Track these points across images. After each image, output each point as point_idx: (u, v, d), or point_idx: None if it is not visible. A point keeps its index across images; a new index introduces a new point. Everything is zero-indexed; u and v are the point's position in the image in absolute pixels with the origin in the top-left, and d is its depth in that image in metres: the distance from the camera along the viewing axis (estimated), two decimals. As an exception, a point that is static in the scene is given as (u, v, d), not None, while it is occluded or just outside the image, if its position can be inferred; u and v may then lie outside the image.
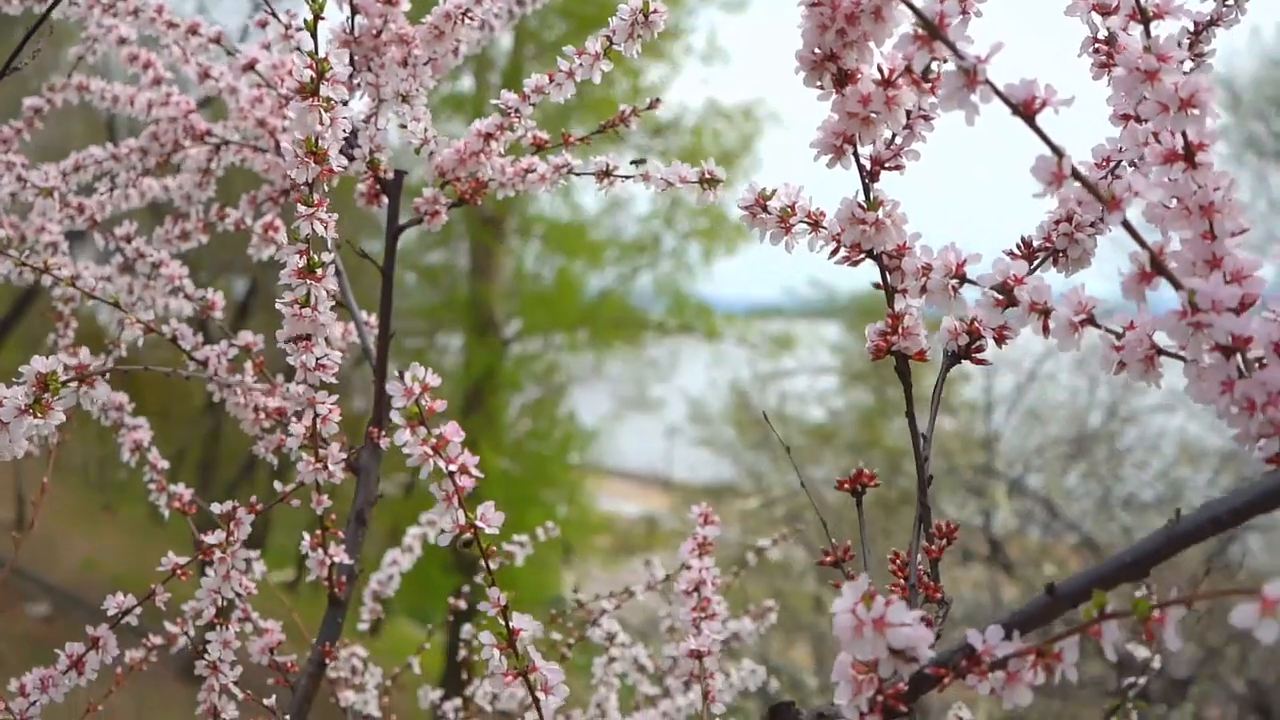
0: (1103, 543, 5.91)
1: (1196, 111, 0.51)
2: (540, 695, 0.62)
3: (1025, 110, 0.49)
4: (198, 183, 1.16)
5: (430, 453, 0.60)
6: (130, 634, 1.07)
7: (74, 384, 0.66)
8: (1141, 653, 1.15)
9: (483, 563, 0.62)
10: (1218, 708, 6.14)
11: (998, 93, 0.48)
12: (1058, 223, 0.65)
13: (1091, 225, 0.65)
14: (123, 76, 1.32)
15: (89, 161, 1.17)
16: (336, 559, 0.94)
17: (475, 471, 0.61)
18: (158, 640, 1.05)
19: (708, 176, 0.81)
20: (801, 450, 8.46)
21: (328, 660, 0.96)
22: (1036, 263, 0.66)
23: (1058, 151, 0.49)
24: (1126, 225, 0.49)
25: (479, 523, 0.61)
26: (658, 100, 0.95)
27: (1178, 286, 0.49)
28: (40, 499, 1.14)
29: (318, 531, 0.93)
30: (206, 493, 0.95)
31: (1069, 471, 6.59)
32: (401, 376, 0.59)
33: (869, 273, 0.65)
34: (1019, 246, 0.66)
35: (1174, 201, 0.55)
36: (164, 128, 1.17)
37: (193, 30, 1.08)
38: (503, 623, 0.63)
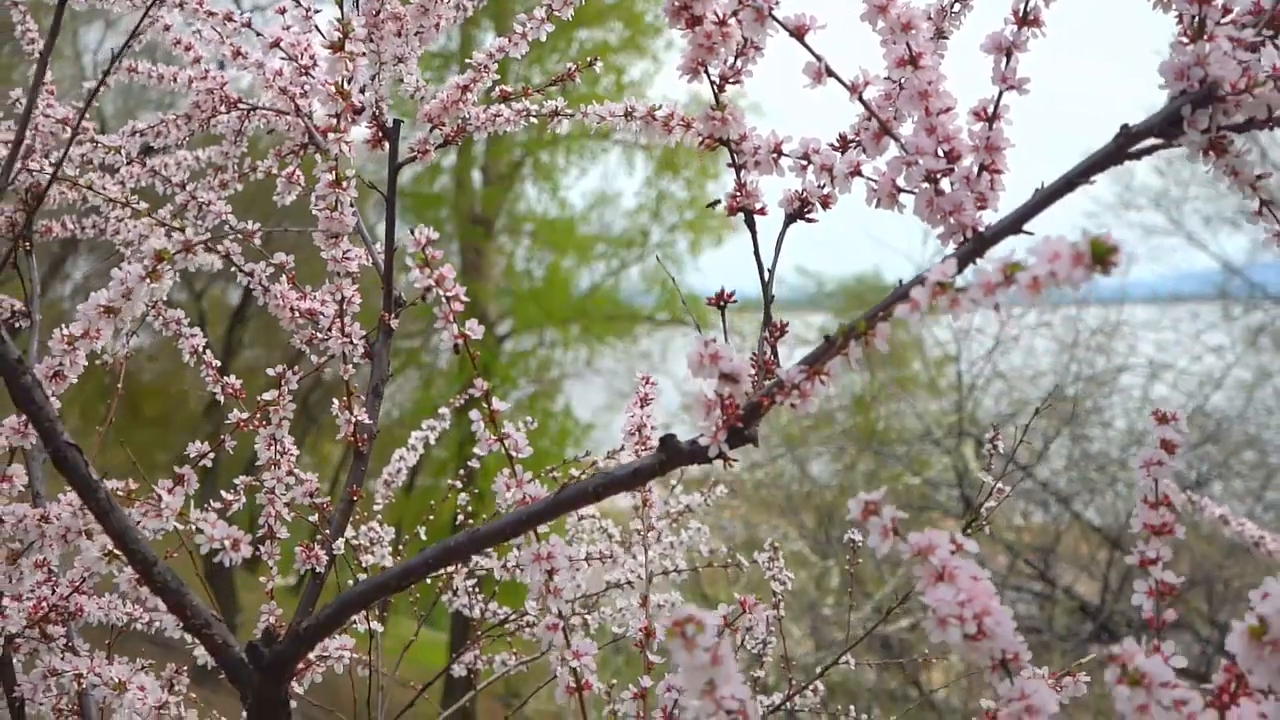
0: (1071, 493, 6.22)
1: (914, 32, 0.79)
2: (513, 454, 0.91)
3: (798, 33, 0.77)
4: (233, 142, 1.44)
5: (434, 284, 0.88)
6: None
7: (181, 254, 0.94)
8: (977, 476, 1.43)
9: (469, 361, 0.90)
10: (1189, 659, 6.45)
11: (779, 22, 0.77)
12: (861, 120, 0.94)
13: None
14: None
15: (143, 126, 1.45)
16: (360, 418, 1.22)
17: (464, 297, 0.89)
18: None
19: (629, 110, 1.09)
20: (794, 436, 8.75)
21: (355, 498, 1.24)
22: (851, 149, 0.94)
23: (818, 58, 0.77)
24: (863, 102, 0.78)
25: (467, 331, 0.89)
26: (595, 59, 1.24)
27: (897, 140, 0.78)
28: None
29: (345, 397, 1.21)
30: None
31: (1041, 432, 6.90)
32: (412, 231, 0.87)
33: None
34: (838, 138, 0.95)
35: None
36: (203, 98, 1.45)
37: (228, 18, 1.36)
38: (487, 406, 0.91)
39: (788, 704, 1.34)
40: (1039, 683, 0.65)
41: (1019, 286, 0.59)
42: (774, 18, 0.77)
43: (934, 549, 0.66)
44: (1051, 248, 0.57)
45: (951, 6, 0.95)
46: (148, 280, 0.94)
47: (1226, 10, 0.72)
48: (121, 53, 1.27)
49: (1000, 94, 0.79)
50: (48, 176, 1.43)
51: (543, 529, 0.91)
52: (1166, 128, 0.71)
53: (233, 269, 1.33)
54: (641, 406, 1.19)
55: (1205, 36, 0.70)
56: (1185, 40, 0.71)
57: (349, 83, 0.96)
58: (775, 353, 0.88)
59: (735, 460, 0.83)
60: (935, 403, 9.09)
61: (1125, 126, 0.71)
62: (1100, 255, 0.55)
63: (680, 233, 12.31)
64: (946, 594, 0.64)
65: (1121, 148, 0.71)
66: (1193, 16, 0.71)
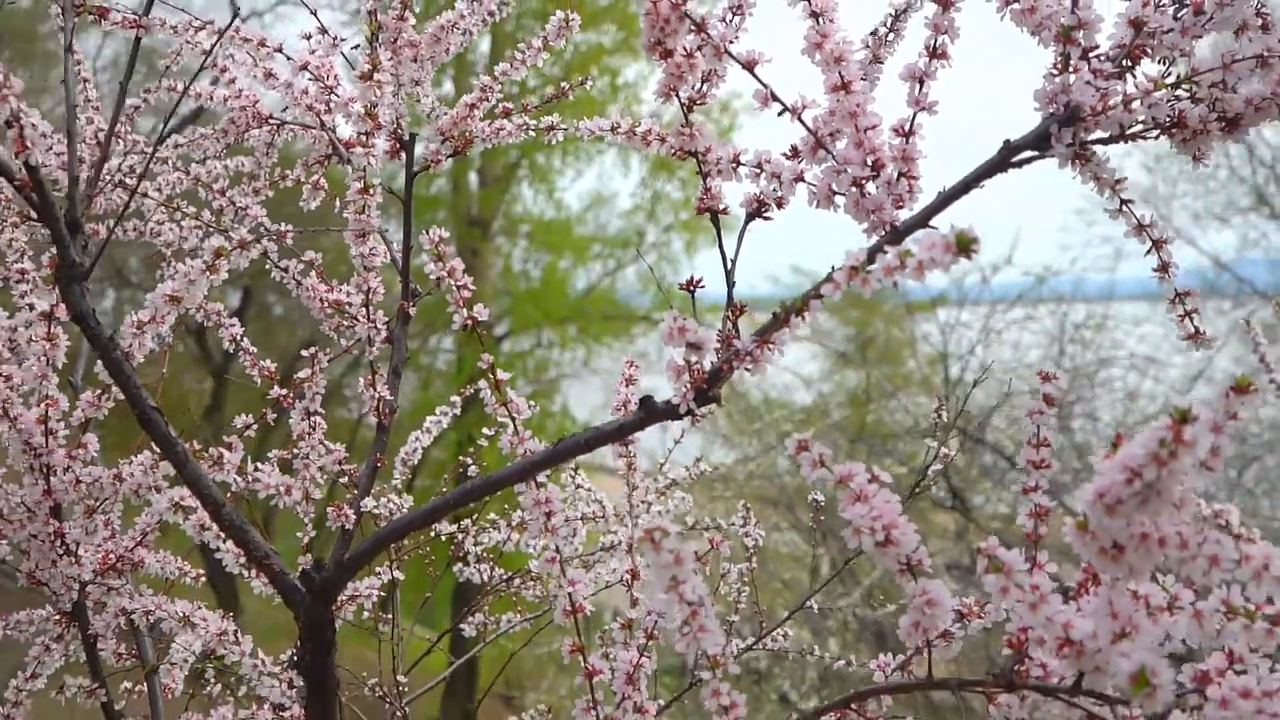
0: (1059, 485, 6.39)
1: (845, 63, 0.97)
2: (515, 415, 1.08)
3: (748, 65, 0.95)
4: (264, 153, 1.62)
5: (445, 274, 1.05)
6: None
7: (236, 250, 1.11)
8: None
9: (479, 340, 1.08)
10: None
11: (732, 56, 0.94)
12: (806, 135, 1.11)
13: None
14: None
15: (185, 139, 1.63)
16: (382, 395, 1.39)
17: (471, 286, 1.06)
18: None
19: (614, 125, 1.27)
20: (789, 433, 8.90)
21: (378, 465, 1.41)
22: (800, 161, 1.12)
23: (765, 86, 0.95)
24: (801, 121, 0.95)
25: (475, 315, 1.07)
26: (586, 79, 1.41)
27: (829, 153, 0.95)
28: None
29: (369, 375, 1.39)
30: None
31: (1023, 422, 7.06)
32: (426, 232, 1.05)
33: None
34: (790, 149, 1.12)
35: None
36: (237, 115, 1.63)
37: (261, 43, 1.53)
38: (492, 375, 1.09)
39: (760, 644, 1.51)
40: (937, 582, 0.83)
41: (909, 269, 0.77)
42: (729, 53, 0.94)
43: (853, 476, 0.83)
44: (930, 239, 0.74)
45: (886, 36, 1.13)
46: (207, 272, 1.11)
47: (1090, 49, 0.89)
48: (190, 84, 1.45)
49: (914, 115, 0.96)
50: (107, 187, 1.60)
51: (541, 478, 1.08)
52: (1039, 142, 0.88)
53: (267, 266, 1.50)
54: (626, 386, 1.37)
55: (1070, 69, 0.88)
56: (1054, 72, 0.88)
57: (377, 105, 1.14)
58: (737, 328, 1.06)
59: (703, 416, 1.01)
60: (926, 398, 9.28)
61: (1007, 141, 0.89)
62: (963, 244, 0.72)
63: (676, 233, 12.46)
64: (862, 510, 0.82)
65: (1005, 158, 0.89)
66: (1060, 52, 0.88)
